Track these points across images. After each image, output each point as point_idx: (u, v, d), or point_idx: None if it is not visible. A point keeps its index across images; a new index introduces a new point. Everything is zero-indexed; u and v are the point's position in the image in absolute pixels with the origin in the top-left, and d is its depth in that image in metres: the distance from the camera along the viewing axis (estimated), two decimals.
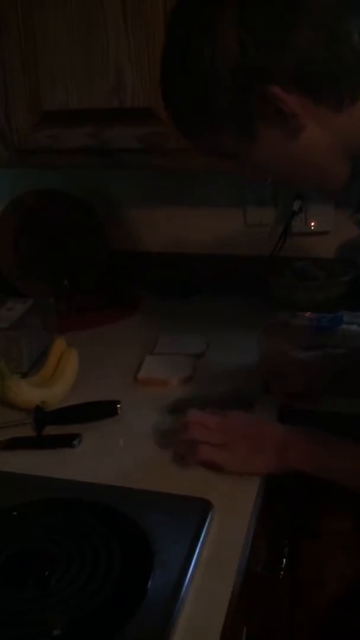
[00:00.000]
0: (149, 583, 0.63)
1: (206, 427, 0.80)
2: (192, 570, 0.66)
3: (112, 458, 0.86)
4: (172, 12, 0.65)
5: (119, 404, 0.94)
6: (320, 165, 0.66)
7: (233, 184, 1.39)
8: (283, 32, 0.58)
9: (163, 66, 0.67)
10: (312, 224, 1.37)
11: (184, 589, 0.63)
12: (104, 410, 0.94)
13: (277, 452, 0.77)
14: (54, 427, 0.92)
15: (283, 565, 0.87)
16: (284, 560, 0.88)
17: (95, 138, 1.15)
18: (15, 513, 0.73)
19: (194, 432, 0.80)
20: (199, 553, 0.68)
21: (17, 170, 1.33)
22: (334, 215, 1.35)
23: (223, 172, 1.30)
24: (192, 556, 0.67)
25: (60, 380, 1.01)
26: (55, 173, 1.40)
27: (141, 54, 1.06)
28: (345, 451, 0.75)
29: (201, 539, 0.69)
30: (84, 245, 1.40)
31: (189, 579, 0.65)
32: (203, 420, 0.81)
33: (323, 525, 0.94)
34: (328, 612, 0.96)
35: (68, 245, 1.39)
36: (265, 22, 0.59)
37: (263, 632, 0.90)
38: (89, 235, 1.40)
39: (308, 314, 1.04)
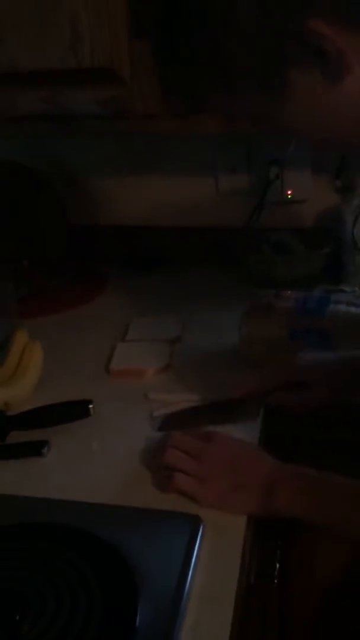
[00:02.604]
0: (137, 621, 0.55)
1: (185, 453, 0.71)
2: (185, 600, 0.58)
3: (86, 468, 0.76)
4: None
5: (91, 404, 0.85)
6: None
7: (203, 149, 1.29)
8: None
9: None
10: (289, 192, 1.28)
11: (177, 624, 0.56)
12: (75, 411, 0.84)
13: (261, 493, 0.67)
14: (18, 433, 0.82)
15: (276, 572, 0.81)
16: (277, 565, 0.82)
17: (51, 103, 1.02)
18: None
19: (170, 458, 0.71)
20: (191, 579, 0.60)
21: None
22: (312, 183, 1.27)
23: (198, 134, 1.20)
24: (184, 584, 0.59)
25: (22, 378, 0.90)
26: (6, 142, 1.27)
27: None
28: (346, 492, 0.65)
29: (192, 562, 0.61)
30: (41, 221, 1.27)
31: (182, 611, 0.57)
32: (182, 444, 0.72)
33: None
34: (319, 604, 0.91)
35: (23, 222, 1.27)
36: None
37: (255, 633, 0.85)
38: (46, 210, 1.28)
39: (292, 294, 0.96)
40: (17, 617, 0.55)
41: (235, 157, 1.29)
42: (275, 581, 0.80)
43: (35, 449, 0.78)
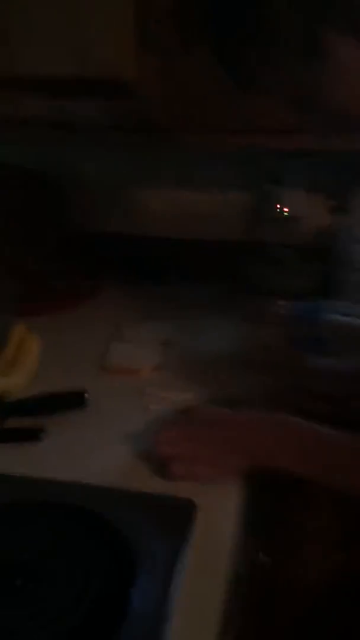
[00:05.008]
0: (134, 595, 0.56)
1: (174, 443, 0.73)
2: (180, 579, 0.59)
3: (82, 454, 0.78)
4: None
5: (86, 393, 0.86)
6: None
7: (203, 163, 1.33)
8: None
9: None
10: (285, 209, 1.32)
11: (171, 600, 0.57)
12: (71, 401, 0.86)
13: (248, 449, 0.69)
14: (16, 419, 0.83)
15: (264, 563, 0.81)
16: (265, 557, 0.82)
17: (55, 109, 1.05)
18: None
19: (161, 452, 0.73)
20: (186, 560, 0.61)
21: None
22: (306, 202, 1.31)
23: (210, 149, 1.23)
24: (179, 564, 0.60)
25: (21, 368, 0.92)
26: (7, 146, 1.29)
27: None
28: (331, 442, 0.66)
29: (186, 544, 0.63)
30: (40, 224, 1.30)
31: (177, 588, 0.58)
32: (168, 437, 0.74)
33: (298, 517, 0.88)
34: (306, 604, 0.91)
35: (23, 224, 1.29)
36: None
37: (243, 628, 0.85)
38: (46, 214, 1.31)
39: (288, 302, 0.99)
40: (18, 583, 0.55)
41: (233, 172, 1.33)
42: (264, 570, 0.80)
43: (32, 434, 0.79)
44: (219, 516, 0.68)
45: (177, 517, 0.66)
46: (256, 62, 0.57)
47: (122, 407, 0.88)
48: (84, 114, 1.07)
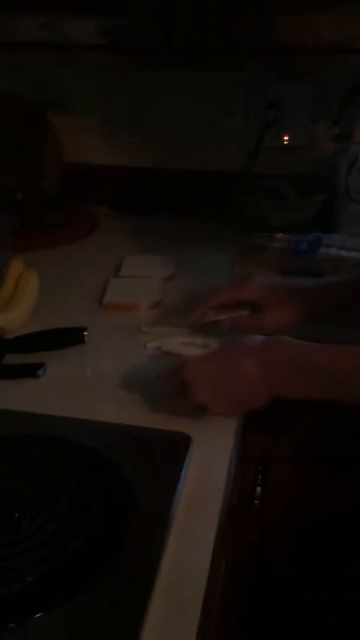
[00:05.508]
0: (130, 525, 0.59)
1: (200, 367, 0.73)
2: (174, 509, 0.62)
3: (80, 390, 0.79)
4: None
5: (85, 331, 0.87)
6: None
7: (201, 91, 1.28)
8: None
9: None
10: (286, 137, 1.28)
11: (166, 530, 0.59)
12: (70, 337, 0.87)
13: (263, 384, 0.69)
14: (14, 356, 0.85)
15: (257, 494, 0.85)
16: (258, 488, 0.86)
17: (49, 30, 1.01)
18: None
19: (187, 374, 0.72)
20: (180, 491, 0.64)
21: None
22: (309, 129, 1.27)
23: (197, 75, 1.19)
24: (174, 495, 0.63)
25: (19, 304, 0.92)
26: (4, 73, 1.25)
27: None
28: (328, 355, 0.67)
29: (182, 475, 0.65)
30: (35, 155, 1.26)
31: (171, 519, 0.60)
32: (195, 362, 0.74)
33: (289, 450, 0.91)
34: (297, 536, 0.96)
35: (19, 155, 1.26)
36: None
37: (236, 560, 0.90)
38: (43, 145, 1.27)
39: (284, 236, 0.98)
40: (16, 515, 0.58)
41: (233, 99, 1.28)
42: (256, 502, 0.84)
43: (31, 371, 0.81)
44: (214, 449, 0.70)
45: (173, 450, 0.68)
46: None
47: (120, 343, 0.89)
48: (77, 33, 1.02)
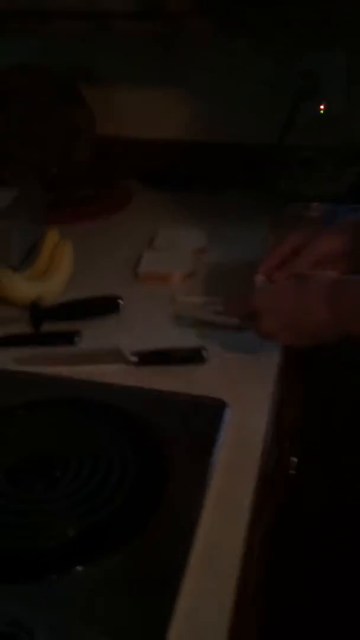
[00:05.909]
0: (166, 488, 0.59)
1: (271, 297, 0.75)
2: (210, 475, 0.62)
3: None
4: None
5: (120, 299, 0.88)
6: None
7: (235, 62, 1.26)
8: None
9: None
10: (322, 107, 1.26)
11: (203, 495, 0.60)
12: (105, 306, 0.87)
13: (333, 319, 0.69)
14: (51, 324, 0.86)
15: (292, 464, 0.85)
16: (293, 458, 0.86)
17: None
18: (20, 412, 0.68)
19: (257, 303, 0.74)
20: (216, 457, 0.64)
21: None
22: (346, 97, 1.24)
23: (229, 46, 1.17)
24: (210, 460, 0.63)
25: (55, 274, 0.93)
26: (32, 46, 1.25)
27: None
28: None
29: (218, 441, 0.65)
30: (68, 128, 1.27)
31: (208, 484, 0.61)
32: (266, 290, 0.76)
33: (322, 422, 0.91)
34: (333, 502, 0.95)
35: (52, 129, 1.26)
36: None
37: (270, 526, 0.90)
38: (74, 117, 1.27)
39: (321, 205, 0.97)
40: (58, 474, 0.59)
41: (267, 69, 1.26)
42: (292, 472, 0.84)
43: (68, 338, 0.82)
44: (250, 415, 0.70)
45: (209, 416, 0.68)
46: None
47: (154, 312, 0.89)
48: (110, 3, 1.02)
